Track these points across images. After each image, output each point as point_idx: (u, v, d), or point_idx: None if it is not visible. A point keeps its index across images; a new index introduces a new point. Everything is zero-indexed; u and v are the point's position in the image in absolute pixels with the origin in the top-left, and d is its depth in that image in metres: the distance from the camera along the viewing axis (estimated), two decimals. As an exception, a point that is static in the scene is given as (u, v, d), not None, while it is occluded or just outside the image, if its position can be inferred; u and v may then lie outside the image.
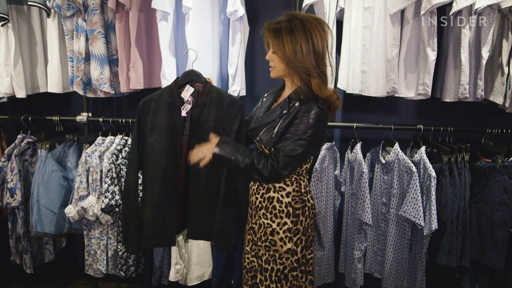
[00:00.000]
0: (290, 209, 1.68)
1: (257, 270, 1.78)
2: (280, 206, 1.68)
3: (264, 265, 1.71)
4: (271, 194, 1.69)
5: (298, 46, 1.51)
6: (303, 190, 1.71)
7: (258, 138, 1.66)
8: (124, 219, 1.97)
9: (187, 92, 1.81)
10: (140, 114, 1.85)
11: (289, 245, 1.67)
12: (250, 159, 1.57)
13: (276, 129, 1.59)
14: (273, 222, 1.68)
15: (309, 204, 1.73)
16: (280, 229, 1.67)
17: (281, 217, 1.67)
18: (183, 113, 1.81)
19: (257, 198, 1.74)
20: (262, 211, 1.71)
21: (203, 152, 1.65)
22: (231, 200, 1.85)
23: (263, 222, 1.71)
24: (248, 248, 1.82)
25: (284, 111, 1.60)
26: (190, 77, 1.85)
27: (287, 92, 1.70)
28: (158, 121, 1.83)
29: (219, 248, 1.92)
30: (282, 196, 1.68)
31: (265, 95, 1.84)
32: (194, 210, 1.90)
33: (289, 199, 1.68)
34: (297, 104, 1.58)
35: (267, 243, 1.70)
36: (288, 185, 1.68)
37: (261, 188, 1.72)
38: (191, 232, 1.95)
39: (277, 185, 1.68)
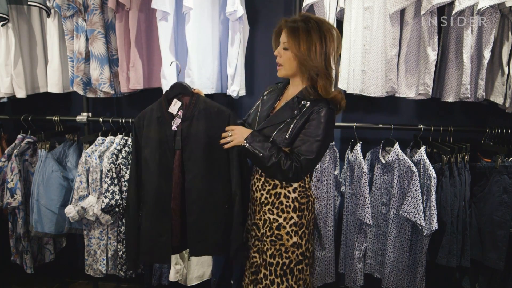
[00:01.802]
0: (297, 204, 1.73)
1: (259, 266, 1.79)
2: (287, 201, 1.72)
3: (269, 260, 1.74)
4: (278, 190, 1.73)
5: (313, 45, 1.57)
6: (307, 186, 1.77)
7: (271, 139, 1.65)
8: (125, 234, 1.96)
9: (175, 107, 1.82)
10: (136, 129, 1.88)
11: (294, 239, 1.72)
12: (277, 159, 1.57)
13: (290, 130, 1.62)
14: (280, 217, 1.72)
15: (311, 199, 1.80)
16: (287, 223, 1.72)
17: (288, 212, 1.72)
18: (174, 127, 1.82)
19: (262, 194, 1.76)
20: (268, 206, 1.74)
21: (233, 137, 1.69)
22: (245, 213, 1.83)
23: (268, 217, 1.74)
24: (250, 244, 1.84)
25: (296, 112, 1.63)
26: (178, 90, 1.84)
27: (292, 91, 1.72)
28: (150, 136, 1.84)
29: (239, 262, 1.88)
30: (289, 191, 1.72)
31: (264, 94, 1.86)
32: (193, 226, 1.85)
33: (296, 195, 1.73)
34: (308, 104, 1.62)
35: (273, 238, 1.73)
36: None
37: (267, 184, 1.75)
38: (193, 249, 1.89)
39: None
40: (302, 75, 1.66)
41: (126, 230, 1.96)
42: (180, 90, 1.83)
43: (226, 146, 1.72)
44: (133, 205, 1.90)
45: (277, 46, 1.69)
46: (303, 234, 1.75)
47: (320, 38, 1.58)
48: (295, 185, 1.73)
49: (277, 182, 1.73)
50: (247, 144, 1.62)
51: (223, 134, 1.73)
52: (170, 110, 1.82)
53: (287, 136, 1.62)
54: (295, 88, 1.72)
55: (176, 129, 1.82)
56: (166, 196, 1.85)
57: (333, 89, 1.76)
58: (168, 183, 1.84)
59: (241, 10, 2.08)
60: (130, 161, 2.26)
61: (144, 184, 1.88)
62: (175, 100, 1.82)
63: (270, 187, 1.74)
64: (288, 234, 1.72)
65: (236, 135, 1.69)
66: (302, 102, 1.64)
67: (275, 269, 1.73)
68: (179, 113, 1.82)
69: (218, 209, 1.84)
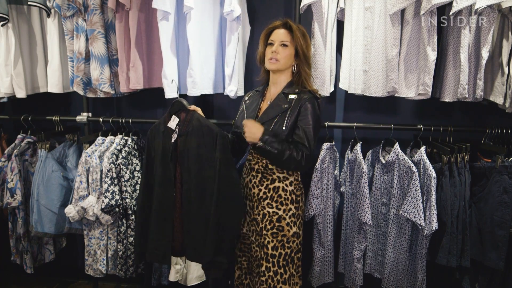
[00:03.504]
0: (294, 196, 1.88)
1: (260, 259, 1.87)
2: (285, 194, 1.86)
3: (271, 252, 1.84)
4: (276, 184, 1.86)
5: (309, 45, 1.84)
6: (299, 179, 1.93)
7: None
8: (134, 232, 2.17)
9: (173, 122, 1.94)
10: (150, 141, 2.02)
11: (294, 229, 1.87)
12: (290, 152, 1.72)
13: (286, 122, 1.78)
14: (279, 209, 1.85)
15: (303, 191, 1.97)
16: (286, 215, 1.85)
17: (286, 204, 1.86)
18: (173, 141, 1.94)
19: (260, 190, 1.87)
20: (267, 201, 1.86)
21: (246, 134, 1.77)
22: (222, 226, 1.87)
23: (267, 211, 1.86)
24: (253, 239, 1.92)
25: (286, 105, 1.80)
26: (178, 107, 1.95)
27: (274, 90, 1.90)
28: (156, 148, 1.99)
29: (210, 277, 1.95)
30: (286, 185, 1.86)
31: (246, 98, 2.02)
32: (189, 234, 1.94)
33: (292, 187, 1.88)
34: (295, 97, 1.81)
35: (275, 230, 1.85)
36: (290, 175, 1.87)
37: (265, 180, 1.87)
38: (189, 254, 1.98)
39: (281, 175, 1.86)
40: (288, 71, 1.87)
41: (134, 231, 2.15)
42: (179, 107, 1.95)
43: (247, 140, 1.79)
44: (139, 210, 2.05)
45: (265, 45, 1.87)
46: (300, 224, 1.91)
47: (308, 39, 1.85)
48: (291, 178, 1.87)
49: (275, 177, 1.86)
50: (262, 144, 1.73)
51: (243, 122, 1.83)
52: (169, 125, 1.95)
53: (283, 128, 1.77)
54: (276, 87, 1.89)
55: (174, 143, 1.93)
56: (168, 204, 1.96)
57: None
58: (169, 192, 1.95)
59: (238, 10, 2.07)
60: (130, 161, 2.28)
61: (153, 192, 2.00)
62: (173, 116, 1.95)
63: (269, 182, 1.86)
64: (288, 225, 1.85)
65: (248, 133, 1.77)
66: (290, 97, 1.82)
67: (278, 260, 1.84)
68: (176, 128, 1.93)
69: (207, 223, 1.89)
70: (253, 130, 1.75)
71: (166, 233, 1.96)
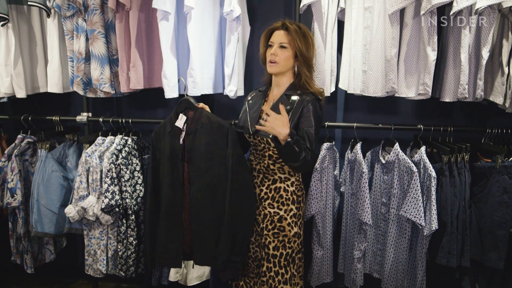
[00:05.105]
0: (295, 197, 1.88)
1: (260, 260, 1.87)
2: (287, 195, 1.86)
3: (272, 252, 1.84)
4: (278, 184, 1.86)
5: (310, 46, 1.81)
6: (300, 179, 1.93)
7: (271, 136, 1.71)
8: (144, 239, 2.17)
9: (181, 121, 1.92)
10: (154, 143, 2.00)
11: (295, 229, 1.87)
12: (305, 153, 1.69)
13: (288, 123, 1.71)
14: (280, 210, 1.85)
15: (304, 191, 1.97)
16: (288, 215, 1.85)
17: (288, 205, 1.86)
18: (181, 141, 1.92)
19: (261, 190, 1.88)
20: (268, 201, 1.87)
21: (269, 124, 1.64)
22: (236, 226, 1.85)
23: (269, 211, 1.86)
24: (252, 239, 1.92)
25: (288, 107, 1.77)
26: (185, 105, 1.94)
27: (276, 91, 1.88)
28: (163, 150, 1.96)
29: (225, 278, 1.91)
30: (287, 185, 1.86)
31: (249, 99, 1.99)
32: (197, 236, 1.92)
33: (293, 188, 1.87)
34: (297, 99, 1.78)
35: (276, 230, 1.85)
36: (292, 175, 1.87)
37: (266, 180, 1.87)
38: (197, 258, 1.96)
39: (282, 176, 1.85)
40: (290, 73, 1.84)
41: (144, 236, 2.13)
42: (187, 105, 1.93)
43: (258, 128, 1.72)
44: (148, 211, 2.02)
45: (265, 46, 1.84)
46: (301, 224, 1.91)
47: (310, 39, 1.81)
48: (293, 179, 1.86)
49: (276, 177, 1.86)
50: (291, 140, 1.63)
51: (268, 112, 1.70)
52: (176, 124, 1.92)
53: None
54: (278, 88, 1.87)
55: (182, 142, 1.91)
56: (177, 206, 1.94)
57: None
58: (178, 193, 1.93)
59: (238, 10, 2.07)
60: (130, 161, 2.28)
61: (161, 194, 1.98)
62: (181, 115, 1.92)
63: (270, 182, 1.87)
64: (289, 225, 1.85)
65: (272, 124, 1.63)
66: (292, 98, 1.79)
67: (279, 261, 1.84)
68: (184, 127, 1.91)
69: (218, 223, 1.87)
70: (278, 123, 1.61)
71: (176, 236, 1.94)
